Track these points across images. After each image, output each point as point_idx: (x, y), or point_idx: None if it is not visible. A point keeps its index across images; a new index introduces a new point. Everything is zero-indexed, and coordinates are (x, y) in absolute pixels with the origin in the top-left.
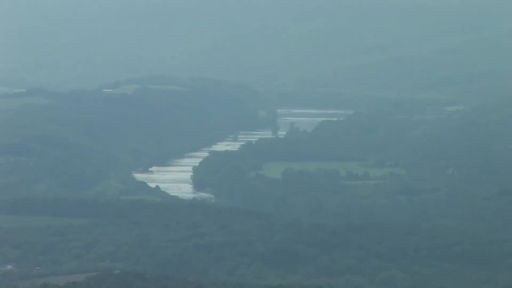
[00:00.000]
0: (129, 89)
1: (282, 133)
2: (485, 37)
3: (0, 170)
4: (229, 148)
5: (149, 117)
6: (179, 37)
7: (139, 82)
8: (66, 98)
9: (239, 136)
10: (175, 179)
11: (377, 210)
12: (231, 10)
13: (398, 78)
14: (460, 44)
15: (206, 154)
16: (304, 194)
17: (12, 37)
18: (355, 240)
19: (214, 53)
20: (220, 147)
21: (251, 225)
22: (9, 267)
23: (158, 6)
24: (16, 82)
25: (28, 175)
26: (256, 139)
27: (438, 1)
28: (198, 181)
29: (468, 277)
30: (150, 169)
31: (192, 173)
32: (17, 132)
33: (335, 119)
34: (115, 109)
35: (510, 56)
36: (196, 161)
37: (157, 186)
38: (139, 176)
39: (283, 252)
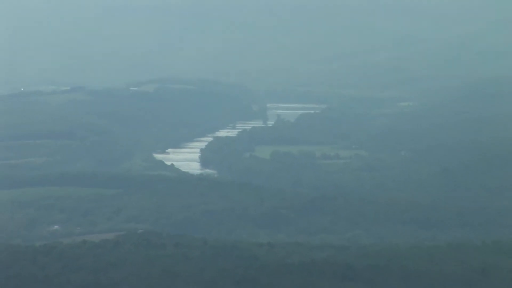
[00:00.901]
0: (150, 88)
1: (270, 123)
2: (429, 47)
3: (50, 150)
4: (229, 134)
5: (166, 109)
6: (189, 46)
7: (158, 82)
8: (101, 94)
9: (237, 125)
10: (186, 159)
11: (345, 183)
12: (230, 25)
13: (361, 80)
14: (409, 53)
15: (210, 139)
16: (287, 171)
17: (57, 46)
18: (328, 207)
19: (217, 59)
20: (222, 133)
21: (245, 195)
22: (55, 227)
23: (174, 21)
24: (63, 82)
25: (72, 155)
26: (250, 127)
27: (382, 21)
28: (204, 160)
29: (415, 236)
30: (166, 150)
31: (199, 154)
32: (63, 121)
33: (312, 111)
34: (139, 103)
35: (448, 62)
36: (203, 144)
37: (172, 164)
38: (158, 156)
39: (271, 216)
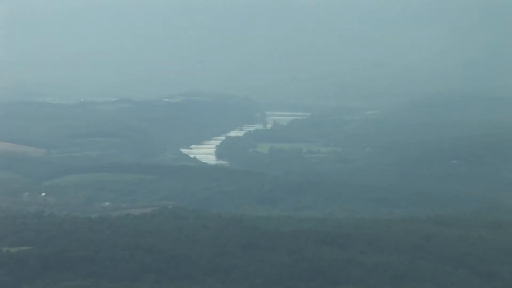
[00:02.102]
0: (178, 99)
1: (269, 126)
2: (388, 70)
3: (103, 146)
4: (237, 134)
5: (190, 116)
6: (207, 68)
7: (184, 95)
8: (142, 104)
9: (243, 127)
10: (205, 152)
11: (324, 171)
12: (239, 52)
13: (337, 94)
14: (373, 74)
15: (223, 138)
16: (281, 162)
17: (108, 67)
18: (311, 189)
19: (228, 78)
20: (232, 134)
21: (249, 180)
22: (107, 203)
23: (194, 49)
24: (113, 94)
25: (119, 149)
26: (253, 129)
27: (353, 50)
28: (218, 154)
29: (376, 211)
30: (190, 146)
31: (215, 149)
32: (113, 124)
33: (300, 118)
34: (170, 111)
35: (401, 82)
36: (218, 142)
37: (194, 157)
38: (184, 150)
39: (268, 196)
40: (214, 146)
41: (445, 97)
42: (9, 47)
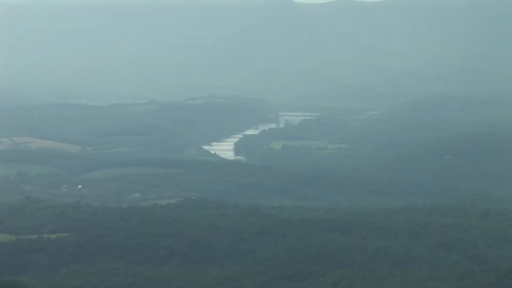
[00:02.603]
0: (200, 101)
1: (281, 125)
2: (387, 75)
3: (133, 143)
4: (253, 133)
5: (210, 116)
6: (226, 73)
7: (205, 97)
8: (167, 106)
9: (258, 126)
10: (224, 149)
11: (331, 166)
12: (252, 59)
13: (342, 97)
14: (375, 78)
15: (241, 136)
16: (292, 158)
17: (138, 74)
18: (319, 182)
19: (245, 82)
20: (248, 132)
21: (264, 173)
22: (136, 195)
23: (213, 57)
24: (141, 97)
25: (147, 146)
26: (267, 128)
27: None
28: (236, 150)
29: (378, 201)
30: (211, 143)
31: (233, 146)
32: (141, 124)
33: (309, 118)
34: (193, 112)
35: (400, 85)
36: (236, 139)
37: (215, 153)
38: (205, 147)
39: (281, 187)
40: (232, 143)
41: (440, 99)
42: (50, 56)
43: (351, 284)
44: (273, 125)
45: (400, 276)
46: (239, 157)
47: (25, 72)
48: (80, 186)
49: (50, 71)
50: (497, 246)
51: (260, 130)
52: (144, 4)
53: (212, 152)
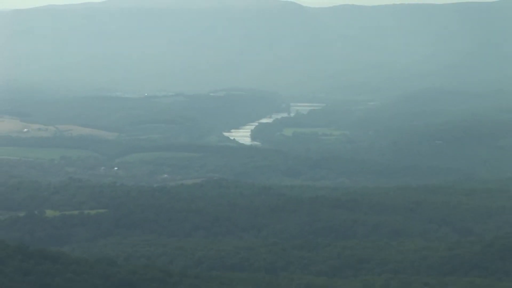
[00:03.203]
0: (221, 94)
1: (292, 114)
2: (385, 70)
3: (162, 130)
4: (267, 121)
5: (230, 106)
6: (243, 69)
7: (226, 90)
8: (192, 97)
9: (272, 116)
10: (242, 135)
11: (336, 150)
12: (268, 55)
13: (345, 89)
14: (374, 74)
15: (256, 124)
16: (301, 143)
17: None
18: (325, 164)
19: (260, 77)
20: (263, 120)
21: (277, 157)
22: (165, 175)
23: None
24: (170, 90)
25: (174, 133)
26: (280, 117)
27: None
28: (253, 136)
29: (377, 181)
30: (231, 130)
31: (250, 132)
32: (169, 113)
33: (316, 108)
34: (215, 103)
35: (396, 80)
36: (252, 127)
37: (234, 138)
38: (225, 134)
39: (292, 169)
40: (249, 130)
41: (431, 92)
42: (88, 55)
43: (353, 253)
44: (284, 114)
45: (396, 247)
46: (255, 143)
47: (68, 69)
48: (115, 168)
49: (89, 68)
50: (482, 220)
51: (274, 118)
52: (172, 8)
53: (232, 138)
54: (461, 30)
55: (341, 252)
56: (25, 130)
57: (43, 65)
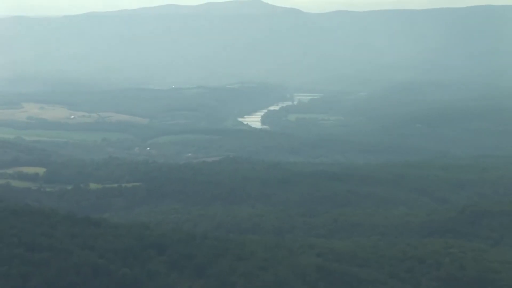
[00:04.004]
0: (236, 86)
1: (295, 103)
2: (372, 66)
3: (187, 117)
4: (275, 108)
5: (244, 97)
6: (255, 65)
7: (240, 83)
8: (212, 89)
9: (278, 104)
10: (253, 120)
11: (332, 133)
12: (275, 54)
13: (340, 81)
14: (362, 69)
15: (266, 111)
16: (303, 126)
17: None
18: (323, 144)
19: (269, 71)
20: (271, 108)
21: (283, 138)
22: (189, 154)
23: (247, 51)
24: (193, 83)
25: (197, 119)
26: (285, 105)
27: (350, 52)
28: (263, 121)
29: (367, 158)
30: (244, 117)
31: (260, 118)
32: (193, 102)
33: (316, 97)
34: (231, 93)
35: (382, 73)
36: (262, 113)
37: (247, 123)
38: (240, 119)
39: (295, 148)
40: (259, 116)
41: (413, 84)
42: (126, 53)
43: (347, 219)
44: (289, 103)
45: (383, 213)
46: (264, 126)
47: (109, 66)
48: (148, 148)
49: (126, 64)
50: (455, 191)
51: (280, 106)
52: (192, 15)
53: (245, 123)
54: (437, 31)
55: (337, 218)
56: (72, 117)
57: (89, 63)
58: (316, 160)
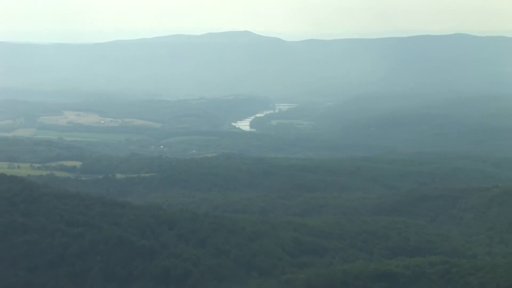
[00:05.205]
0: (230, 97)
1: (277, 111)
2: (336, 82)
3: (191, 121)
4: (260, 115)
5: (236, 106)
6: (245, 81)
7: (234, 95)
8: (211, 100)
9: (263, 112)
10: (244, 125)
11: (305, 134)
12: (260, 73)
13: (312, 94)
14: (327, 84)
15: (253, 117)
16: (283, 129)
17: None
18: (299, 143)
19: (256, 87)
20: (258, 115)
21: (267, 139)
22: (194, 151)
23: (237, 70)
24: (196, 95)
25: (199, 123)
26: (269, 113)
27: (318, 69)
28: (251, 125)
29: (333, 155)
30: (236, 122)
31: (249, 123)
32: (196, 110)
33: (293, 107)
34: (225, 104)
35: (343, 89)
36: (250, 119)
37: (239, 127)
38: (233, 124)
39: (276, 147)
40: (248, 122)
41: (369, 96)
42: (145, 71)
43: (316, 202)
44: (272, 111)
45: (345, 197)
46: (252, 129)
47: (130, 82)
48: (161, 146)
49: (144, 81)
50: (401, 179)
51: (265, 114)
52: (196, 43)
53: (237, 126)
54: (388, 55)
55: (308, 200)
56: (102, 122)
57: (115, 80)
58: (292, 155)
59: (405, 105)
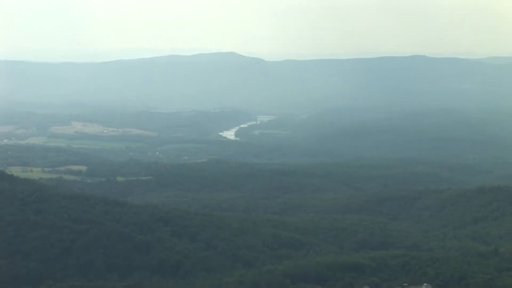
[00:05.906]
0: (217, 110)
1: (258, 122)
2: (311, 97)
3: (184, 131)
4: (244, 126)
5: (223, 118)
6: (231, 96)
7: (221, 108)
8: (200, 112)
9: (247, 123)
10: (229, 134)
11: (283, 142)
12: (245, 90)
13: (289, 107)
14: (302, 100)
15: (238, 128)
16: (264, 138)
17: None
18: (278, 150)
19: (241, 102)
20: (242, 126)
21: (249, 146)
22: (185, 157)
23: (223, 87)
24: (187, 108)
25: (191, 133)
26: (251, 124)
27: (296, 85)
28: (236, 135)
29: (309, 160)
30: (223, 131)
31: (234, 133)
32: (188, 121)
33: (272, 118)
34: (214, 116)
35: (318, 103)
36: (235, 129)
37: (225, 136)
38: (220, 133)
39: (259, 153)
40: (233, 131)
41: (339, 109)
42: (145, 87)
43: (293, 202)
44: (254, 122)
45: (318, 197)
46: (237, 138)
47: (130, 96)
48: (157, 153)
49: (142, 95)
50: (367, 182)
51: (248, 124)
52: (190, 62)
53: (224, 136)
54: (357, 73)
55: (286, 201)
56: (105, 131)
57: (116, 95)
58: (272, 161)
59: (371, 117)
